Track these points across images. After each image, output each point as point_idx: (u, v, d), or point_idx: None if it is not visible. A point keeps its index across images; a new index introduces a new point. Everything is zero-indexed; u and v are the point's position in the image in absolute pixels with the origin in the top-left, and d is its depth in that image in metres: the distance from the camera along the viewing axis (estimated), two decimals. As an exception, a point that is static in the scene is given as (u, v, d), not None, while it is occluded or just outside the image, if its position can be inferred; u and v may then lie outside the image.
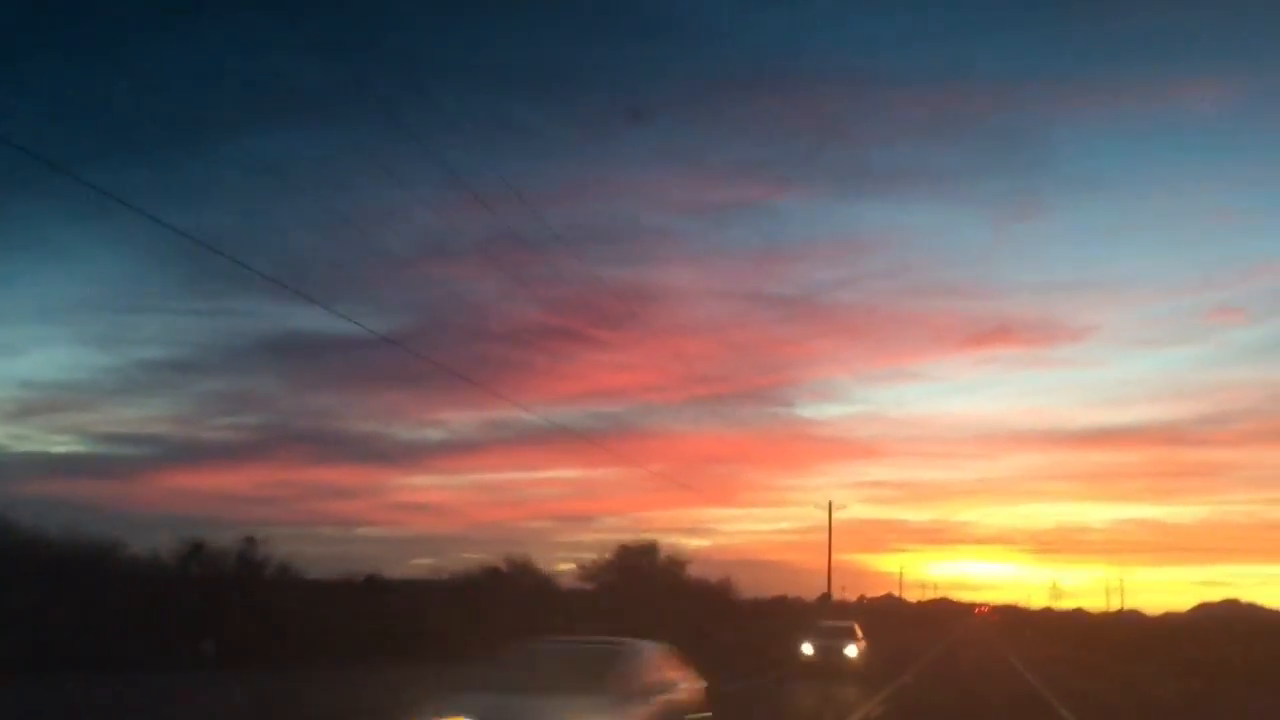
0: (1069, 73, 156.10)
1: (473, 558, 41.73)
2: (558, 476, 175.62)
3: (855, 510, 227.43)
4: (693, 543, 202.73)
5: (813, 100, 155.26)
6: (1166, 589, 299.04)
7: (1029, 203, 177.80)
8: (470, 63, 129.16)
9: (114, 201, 12.45)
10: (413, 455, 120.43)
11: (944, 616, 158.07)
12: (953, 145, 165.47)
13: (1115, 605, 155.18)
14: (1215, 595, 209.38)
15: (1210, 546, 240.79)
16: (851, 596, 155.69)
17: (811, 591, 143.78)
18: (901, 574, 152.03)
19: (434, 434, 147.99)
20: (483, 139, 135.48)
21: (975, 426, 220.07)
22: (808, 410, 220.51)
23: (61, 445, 65.47)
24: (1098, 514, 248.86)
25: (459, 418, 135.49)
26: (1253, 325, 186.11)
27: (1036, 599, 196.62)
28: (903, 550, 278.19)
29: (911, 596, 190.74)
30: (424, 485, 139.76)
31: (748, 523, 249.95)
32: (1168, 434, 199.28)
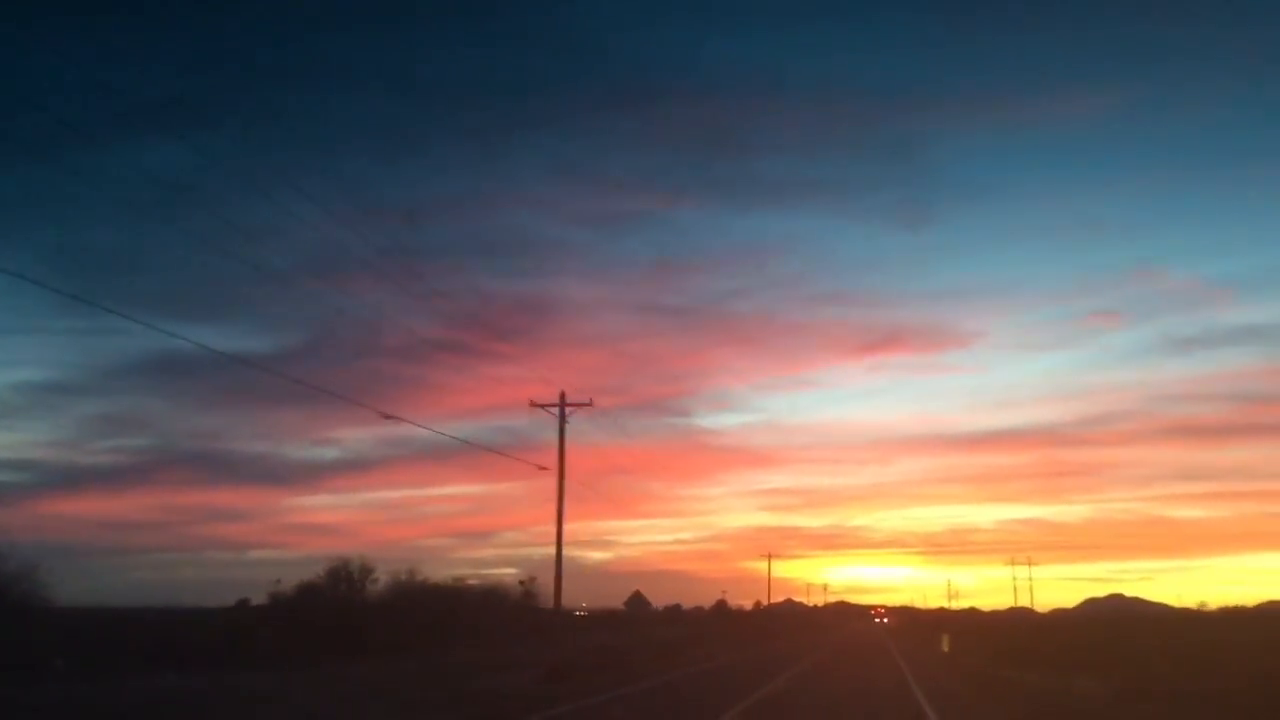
0: (954, 84, 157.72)
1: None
2: (457, 493, 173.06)
3: (753, 518, 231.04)
4: (595, 555, 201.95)
5: (705, 112, 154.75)
6: (1055, 586, 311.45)
7: (917, 212, 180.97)
8: (362, 73, 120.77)
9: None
10: (306, 475, 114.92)
11: (836, 620, 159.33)
12: (843, 156, 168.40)
13: (1007, 603, 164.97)
14: (1101, 591, 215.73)
15: (1094, 544, 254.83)
16: (761, 603, 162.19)
17: (709, 600, 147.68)
18: (805, 580, 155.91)
19: (328, 453, 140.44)
20: (373, 150, 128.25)
21: (869, 432, 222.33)
22: (706, 420, 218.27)
23: None
24: (987, 515, 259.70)
25: (353, 435, 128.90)
26: (1129, 329, 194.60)
27: (931, 599, 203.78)
28: (801, 556, 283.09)
29: (812, 601, 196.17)
30: (319, 505, 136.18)
31: (649, 534, 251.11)
32: (1052, 436, 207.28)
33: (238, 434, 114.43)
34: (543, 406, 37.52)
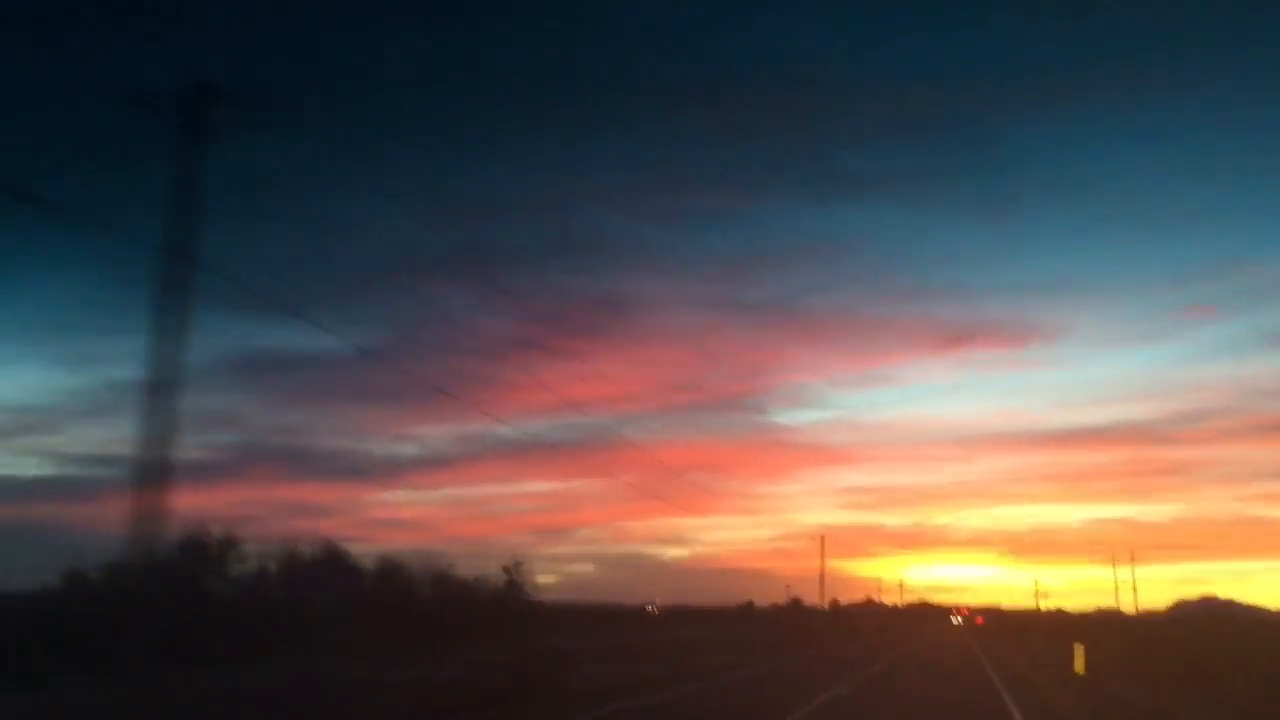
0: (1039, 71, 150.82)
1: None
2: (535, 490, 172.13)
3: (832, 516, 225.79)
4: (672, 552, 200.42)
5: (784, 106, 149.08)
6: (1143, 587, 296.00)
7: (1000, 203, 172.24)
8: (440, 72, 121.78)
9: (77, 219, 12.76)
10: (387, 471, 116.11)
11: (912, 622, 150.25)
12: (923, 147, 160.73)
13: (1093, 604, 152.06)
14: (1191, 592, 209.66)
15: (1184, 544, 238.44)
16: (838, 601, 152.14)
17: (784, 597, 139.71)
18: (883, 576, 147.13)
19: (408, 449, 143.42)
20: (449, 148, 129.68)
21: (950, 429, 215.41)
22: (783, 417, 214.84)
23: (31, 468, 66.68)
24: (1073, 514, 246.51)
25: (434, 432, 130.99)
26: (1224, 322, 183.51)
27: (1016, 600, 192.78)
28: (881, 555, 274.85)
29: (891, 600, 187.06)
30: (400, 501, 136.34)
31: (725, 531, 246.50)
32: (1140, 433, 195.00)
33: (321, 430, 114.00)
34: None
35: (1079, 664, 30.02)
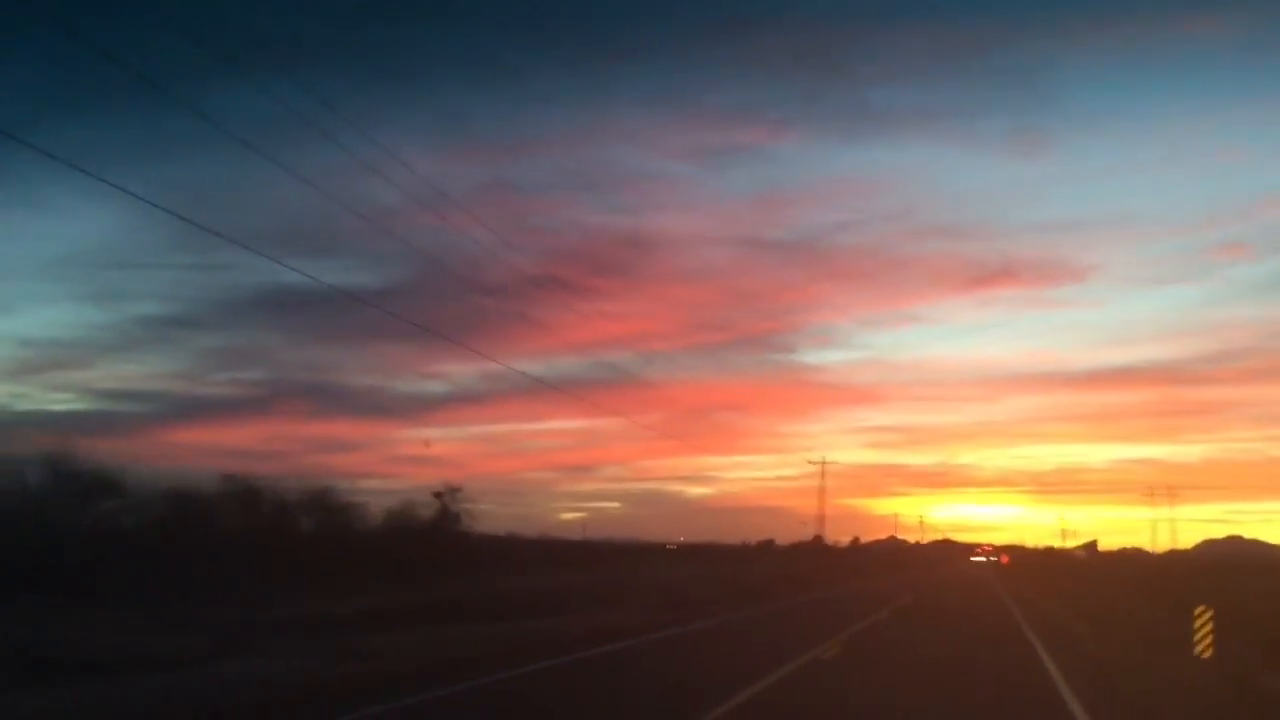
0: (1073, 7, 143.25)
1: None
2: (560, 428, 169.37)
3: (856, 455, 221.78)
4: (697, 490, 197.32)
5: (810, 40, 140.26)
6: (1169, 527, 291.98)
7: (1032, 141, 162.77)
8: (459, 7, 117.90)
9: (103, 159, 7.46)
10: (414, 408, 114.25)
11: (938, 558, 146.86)
12: (954, 84, 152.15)
13: (1118, 544, 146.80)
14: (1218, 532, 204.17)
15: (1212, 484, 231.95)
16: (859, 539, 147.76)
17: (806, 535, 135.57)
18: (905, 515, 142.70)
19: (435, 387, 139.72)
20: (472, 85, 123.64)
21: (976, 369, 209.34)
22: (809, 356, 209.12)
23: (61, 403, 63.85)
24: (1100, 454, 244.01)
25: (460, 370, 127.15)
26: (1257, 261, 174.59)
27: (1041, 539, 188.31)
28: (904, 494, 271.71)
29: (914, 539, 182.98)
30: (426, 438, 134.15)
31: (749, 470, 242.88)
32: (1170, 373, 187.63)
33: (348, 367, 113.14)
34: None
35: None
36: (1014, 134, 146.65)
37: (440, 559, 29.65)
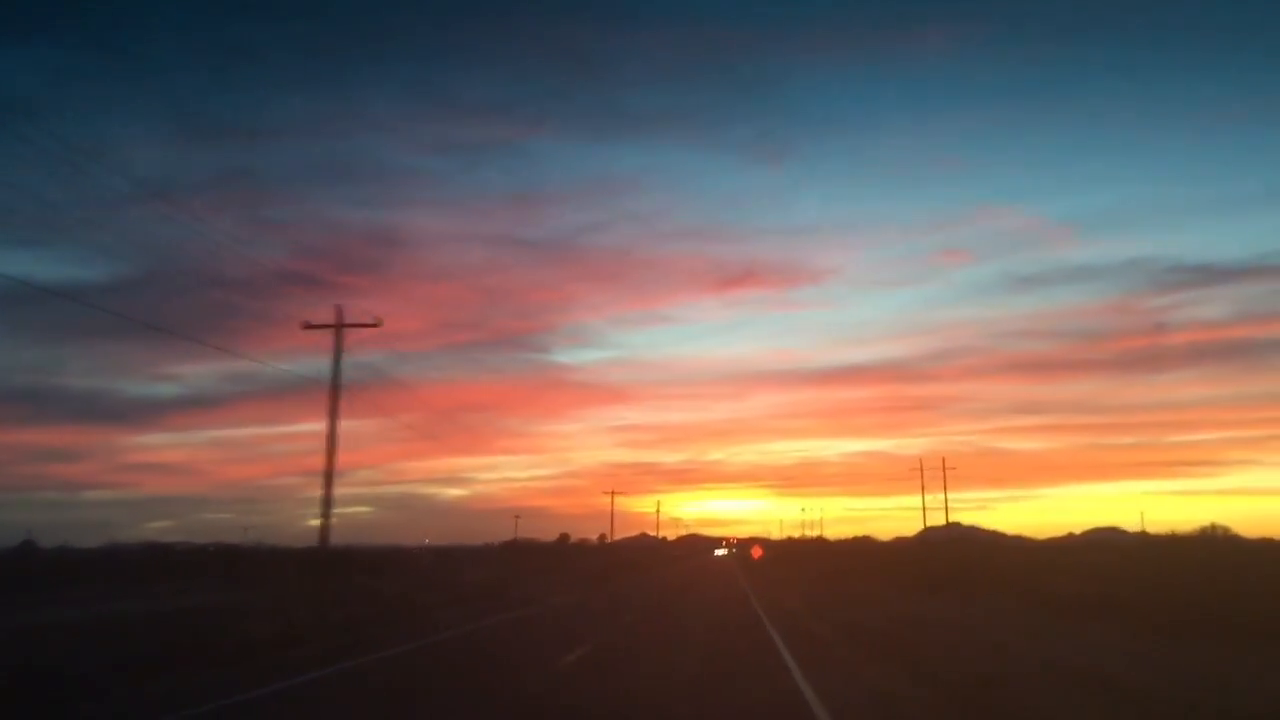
0: (814, 18, 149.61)
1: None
2: (306, 430, 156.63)
3: (610, 454, 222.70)
4: (451, 492, 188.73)
5: (565, 38, 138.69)
6: (895, 517, 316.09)
7: (776, 147, 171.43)
8: None
9: None
10: (145, 412, 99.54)
11: (682, 555, 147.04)
12: (704, 89, 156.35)
13: (853, 532, 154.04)
14: (938, 520, 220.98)
15: (932, 475, 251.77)
16: (606, 537, 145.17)
17: (555, 535, 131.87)
18: (659, 511, 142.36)
19: (168, 389, 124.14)
20: (212, 67, 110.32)
21: (725, 368, 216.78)
22: (562, 356, 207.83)
23: None
24: (836, 448, 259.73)
25: (195, 371, 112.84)
26: (976, 265, 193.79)
27: (785, 531, 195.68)
28: (655, 492, 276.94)
29: (663, 534, 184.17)
30: (159, 444, 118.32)
31: (504, 470, 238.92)
32: (898, 371, 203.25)
33: (69, 369, 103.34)
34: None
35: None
36: (758, 140, 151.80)
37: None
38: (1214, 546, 53.24)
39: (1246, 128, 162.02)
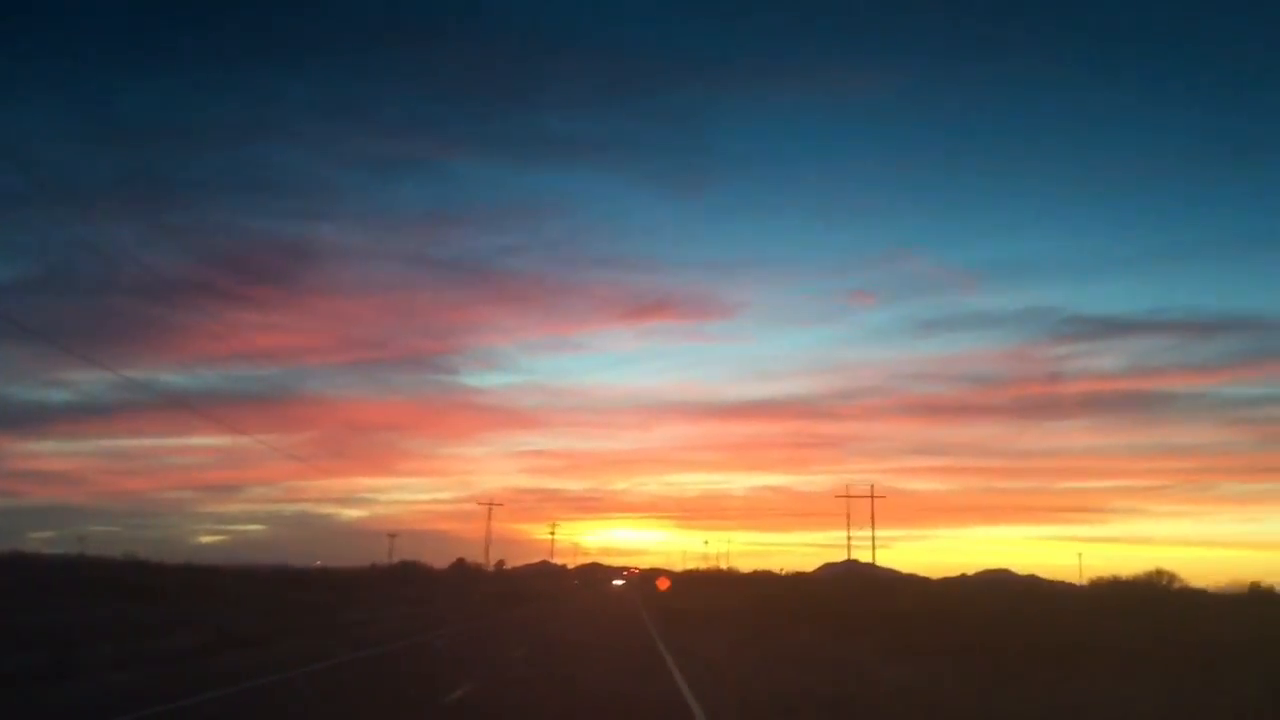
0: (739, 55, 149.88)
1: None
2: (202, 444, 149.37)
3: (515, 479, 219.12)
4: (351, 513, 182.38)
5: (488, 60, 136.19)
6: (795, 552, 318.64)
7: (694, 180, 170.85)
8: None
9: None
10: (32, 419, 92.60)
11: (582, 584, 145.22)
12: (625, 119, 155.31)
13: (754, 567, 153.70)
14: (837, 557, 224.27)
15: (833, 512, 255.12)
16: (504, 563, 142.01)
17: (450, 560, 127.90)
18: (554, 537, 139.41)
19: (57, 395, 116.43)
20: (122, 65, 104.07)
21: (633, 397, 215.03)
22: (471, 378, 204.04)
23: None
24: (739, 482, 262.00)
25: (88, 378, 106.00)
26: (880, 309, 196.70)
27: (687, 563, 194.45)
28: (560, 519, 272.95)
29: (564, 562, 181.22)
30: (46, 452, 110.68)
31: (406, 492, 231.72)
32: (803, 408, 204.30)
33: None
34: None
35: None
36: (676, 172, 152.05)
37: None
38: (1091, 593, 54.47)
39: (1148, 186, 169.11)
